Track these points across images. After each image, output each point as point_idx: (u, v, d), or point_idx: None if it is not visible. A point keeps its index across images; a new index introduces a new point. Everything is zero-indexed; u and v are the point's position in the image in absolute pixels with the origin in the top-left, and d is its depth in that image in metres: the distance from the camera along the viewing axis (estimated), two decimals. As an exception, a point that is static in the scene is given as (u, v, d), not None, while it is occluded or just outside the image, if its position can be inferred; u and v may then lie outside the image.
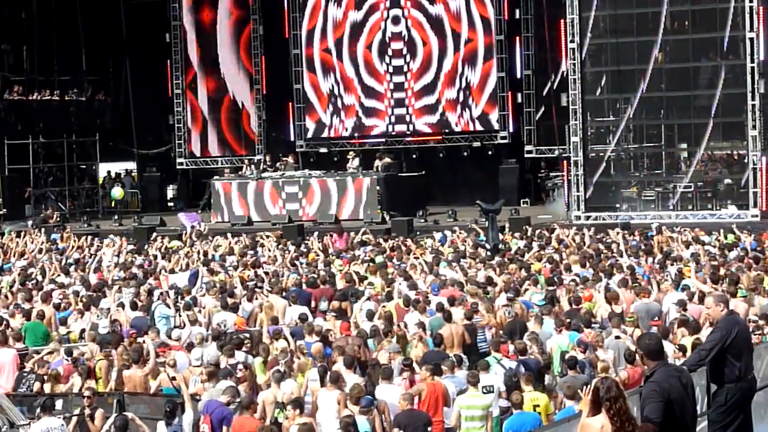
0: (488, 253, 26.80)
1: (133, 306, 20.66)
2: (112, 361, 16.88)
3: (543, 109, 42.42)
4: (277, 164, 42.45)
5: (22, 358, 17.42)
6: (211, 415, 14.06)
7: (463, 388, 15.21)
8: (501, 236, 29.85)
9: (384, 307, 19.79)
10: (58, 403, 15.52)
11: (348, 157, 41.28)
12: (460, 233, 30.72)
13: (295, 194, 39.69)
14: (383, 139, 44.52)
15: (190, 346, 17.67)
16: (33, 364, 16.93)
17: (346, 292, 21.46)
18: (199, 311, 20.29)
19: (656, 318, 18.14)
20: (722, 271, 21.55)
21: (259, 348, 17.29)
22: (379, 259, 26.05)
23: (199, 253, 28.41)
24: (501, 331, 18.21)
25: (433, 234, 32.38)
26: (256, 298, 21.18)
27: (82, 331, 19.56)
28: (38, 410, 13.99)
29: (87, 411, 14.66)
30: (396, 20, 44.32)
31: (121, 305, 20.60)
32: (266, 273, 24.02)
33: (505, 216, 35.62)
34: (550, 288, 21.00)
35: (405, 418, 14.09)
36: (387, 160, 40.68)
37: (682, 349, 15.81)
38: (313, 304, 20.77)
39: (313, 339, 17.49)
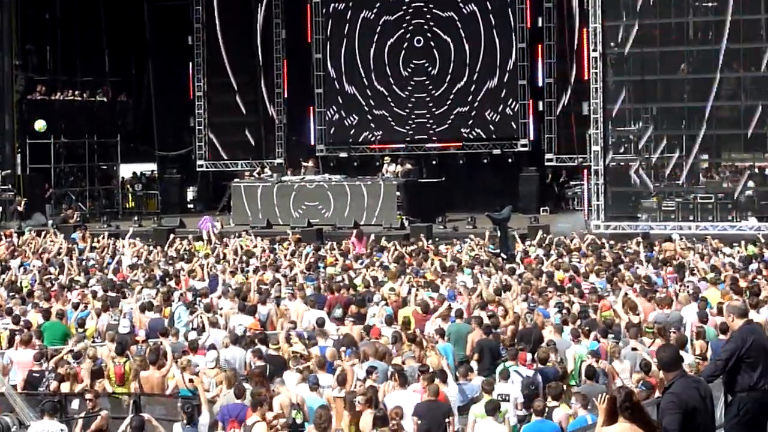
0: (504, 261, 26.75)
1: (150, 307, 20.70)
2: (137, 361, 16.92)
3: (563, 117, 42.41)
4: (299, 168, 42.56)
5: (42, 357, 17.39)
6: (236, 418, 14.02)
7: (476, 396, 15.18)
8: (517, 244, 29.69)
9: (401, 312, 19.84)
10: (75, 403, 15.54)
11: (384, 162, 41.22)
12: (478, 241, 30.65)
13: (314, 198, 39.69)
14: (403, 145, 44.54)
15: (212, 348, 17.64)
16: (54, 363, 16.95)
17: (365, 297, 21.45)
18: (217, 314, 20.31)
19: (675, 329, 18.01)
20: (743, 283, 21.42)
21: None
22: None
23: (218, 256, 28.45)
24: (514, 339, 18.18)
25: (453, 240, 32.28)
26: (271, 302, 21.24)
27: (95, 331, 19.66)
28: (39, 412, 14.01)
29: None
30: (418, 27, 44.38)
31: (143, 307, 20.64)
32: (284, 276, 24.02)
33: (524, 224, 35.61)
34: (567, 296, 20.91)
35: (424, 408, 14.13)
36: (408, 166, 40.69)
37: (704, 357, 15.78)
38: (326, 310, 20.76)
39: (326, 343, 17.51)
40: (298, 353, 16.91)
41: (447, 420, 14.20)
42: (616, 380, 15.48)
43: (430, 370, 15.63)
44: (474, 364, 17.05)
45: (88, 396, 15.03)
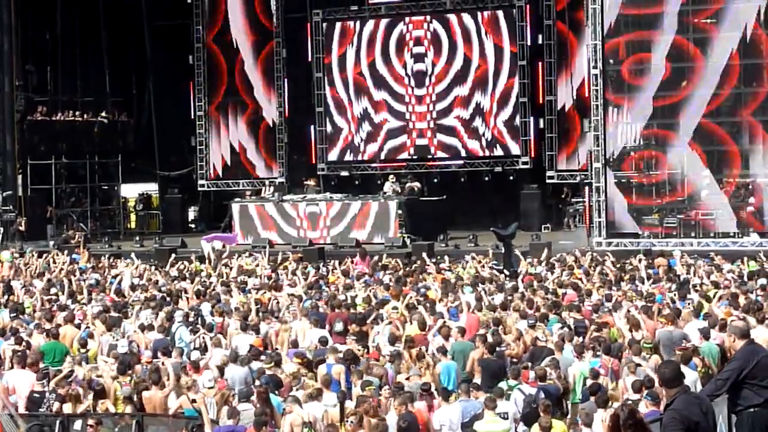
0: (507, 279, 26.71)
1: (151, 327, 20.67)
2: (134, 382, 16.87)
3: (564, 134, 42.50)
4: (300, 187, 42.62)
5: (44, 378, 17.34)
6: None
7: (478, 413, 15.17)
8: (521, 262, 29.61)
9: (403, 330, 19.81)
10: (77, 424, 15.50)
11: (389, 180, 41.16)
12: (480, 259, 30.62)
13: (316, 217, 39.67)
14: (405, 163, 44.56)
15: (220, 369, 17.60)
16: (55, 384, 16.91)
17: (366, 315, 21.43)
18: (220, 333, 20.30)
19: (680, 345, 17.99)
20: (743, 300, 21.38)
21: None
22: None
23: (219, 275, 28.44)
24: (522, 357, 18.12)
25: (457, 258, 32.25)
26: (270, 321, 21.22)
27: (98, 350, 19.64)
28: None
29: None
30: (418, 45, 44.46)
31: (143, 327, 20.62)
32: (289, 295, 23.98)
33: (526, 241, 35.56)
34: (570, 314, 20.86)
35: (407, 418, 14.17)
36: (417, 184, 40.82)
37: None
38: (327, 327, 20.76)
39: (333, 361, 17.47)
40: (299, 372, 16.91)
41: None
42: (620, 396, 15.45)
43: (432, 388, 15.65)
44: (478, 381, 17.02)
45: (90, 422, 14.97)
